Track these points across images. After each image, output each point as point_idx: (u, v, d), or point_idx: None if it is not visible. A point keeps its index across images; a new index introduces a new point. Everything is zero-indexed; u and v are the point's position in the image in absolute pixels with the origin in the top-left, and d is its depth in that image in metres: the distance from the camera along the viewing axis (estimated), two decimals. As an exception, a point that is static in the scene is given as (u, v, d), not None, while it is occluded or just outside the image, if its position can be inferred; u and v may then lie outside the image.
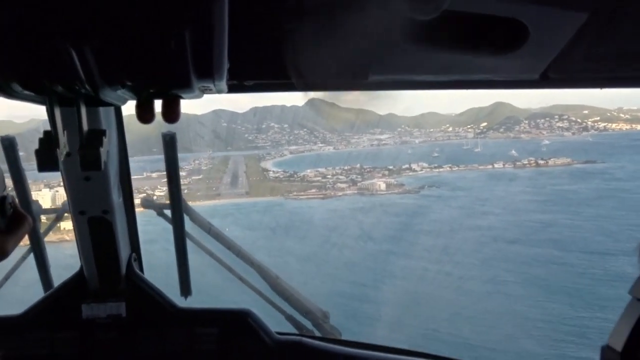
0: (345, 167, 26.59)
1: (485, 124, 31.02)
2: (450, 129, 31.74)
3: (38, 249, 3.67)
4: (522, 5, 1.24)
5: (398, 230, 20.90)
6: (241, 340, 3.26)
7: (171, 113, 1.23)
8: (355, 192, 25.13)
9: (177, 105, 1.23)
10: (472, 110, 33.49)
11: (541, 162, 26.12)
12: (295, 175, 26.90)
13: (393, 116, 32.92)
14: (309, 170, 26.60)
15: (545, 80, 1.60)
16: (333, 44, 1.35)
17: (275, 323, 3.80)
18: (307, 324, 4.28)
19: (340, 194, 25.04)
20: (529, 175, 24.64)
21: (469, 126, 31.43)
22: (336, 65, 1.44)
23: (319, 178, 26.07)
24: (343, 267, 19.18)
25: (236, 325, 3.25)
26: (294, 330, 4.18)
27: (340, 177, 25.85)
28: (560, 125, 28.67)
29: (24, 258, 3.84)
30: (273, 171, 27.40)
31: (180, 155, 3.45)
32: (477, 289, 17.72)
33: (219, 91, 1.28)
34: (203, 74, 1.11)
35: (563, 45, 1.39)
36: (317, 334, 4.18)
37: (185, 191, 20.38)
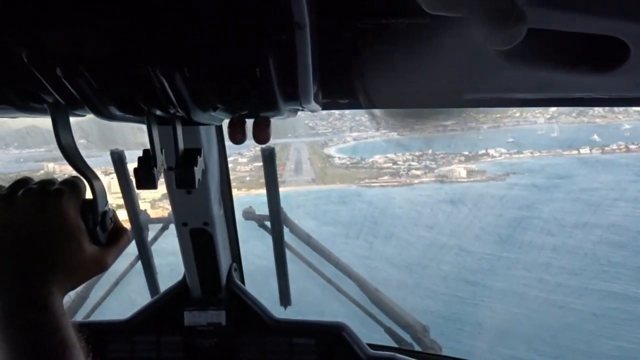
0: (416, 153, 24.15)
1: (555, 108, 27.89)
2: (518, 114, 29.50)
3: (145, 257, 3.80)
4: (620, 22, 1.14)
5: (507, 229, 17.28)
6: (336, 353, 3.20)
7: (261, 133, 1.30)
8: (433, 179, 22.99)
9: (268, 126, 1.29)
10: (540, 94, 30.00)
11: (632, 147, 23.18)
12: (363, 162, 24.99)
13: (456, 102, 29.54)
14: (377, 156, 24.65)
15: None
16: (426, 63, 1.29)
17: (374, 335, 3.76)
18: (407, 337, 4.19)
19: (416, 181, 22.95)
20: (628, 161, 21.48)
21: (537, 111, 28.50)
22: (430, 84, 1.36)
23: (390, 164, 24.06)
24: (454, 281, 15.56)
25: (331, 338, 3.20)
26: (393, 343, 4.14)
27: (413, 163, 23.73)
28: (638, 109, 25.16)
29: (132, 265, 4.15)
30: (338, 157, 25.68)
31: (240, 142, 3.82)
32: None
33: (312, 111, 1.33)
34: (289, 98, 1.15)
35: None
36: (417, 347, 4.12)
37: (247, 178, 19.27)
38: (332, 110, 28.94)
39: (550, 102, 1.70)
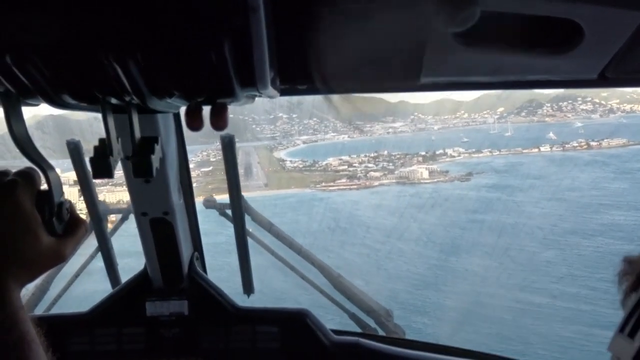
0: (371, 155, 23.39)
1: (502, 109, 28.46)
2: (466, 115, 30.23)
3: (105, 248, 3.66)
4: (575, 5, 1.16)
5: (498, 238, 14.81)
6: (299, 340, 3.05)
7: (219, 120, 1.23)
8: (394, 181, 21.76)
9: (225, 112, 1.23)
10: (486, 95, 31.13)
11: (593, 143, 22.67)
12: (317, 165, 24.01)
13: (405, 104, 31.55)
14: (331, 159, 23.55)
15: (603, 80, 1.45)
16: (383, 46, 1.28)
17: (339, 320, 3.72)
18: (370, 322, 4.03)
19: (376, 183, 21.74)
20: (596, 158, 21.17)
21: (485, 112, 28.58)
22: (387, 67, 1.36)
23: (345, 167, 23.04)
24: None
25: (295, 325, 3.06)
26: (357, 328, 4.03)
27: (369, 165, 22.64)
28: (585, 107, 25.69)
29: (92, 257, 3.92)
30: (290, 161, 24.74)
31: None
32: None
33: (269, 97, 1.28)
34: (246, 83, 1.09)
35: (621, 45, 1.27)
36: (381, 332, 3.98)
37: (195, 184, 16.11)
38: (280, 114, 27.11)
39: (506, 84, 1.68)
